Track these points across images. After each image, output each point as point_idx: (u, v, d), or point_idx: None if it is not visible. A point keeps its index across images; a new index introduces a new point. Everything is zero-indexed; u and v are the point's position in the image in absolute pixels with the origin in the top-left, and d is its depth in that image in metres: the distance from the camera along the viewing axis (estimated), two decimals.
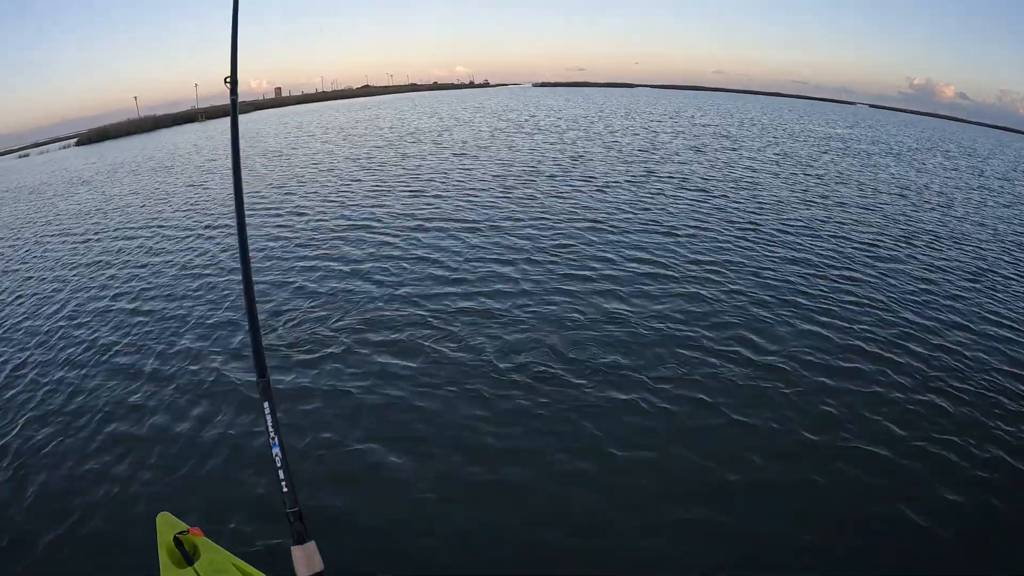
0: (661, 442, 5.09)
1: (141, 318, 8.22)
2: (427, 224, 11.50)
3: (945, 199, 16.72)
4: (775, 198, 14.23)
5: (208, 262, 10.34)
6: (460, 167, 17.82)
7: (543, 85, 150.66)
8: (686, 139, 25.40)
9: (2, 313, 9.12)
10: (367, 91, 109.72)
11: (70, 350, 7.43)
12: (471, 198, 13.62)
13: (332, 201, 14.09)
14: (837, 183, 17.15)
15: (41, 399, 6.27)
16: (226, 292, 8.86)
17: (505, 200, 13.36)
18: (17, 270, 11.25)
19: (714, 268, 9.12)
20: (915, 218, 13.63)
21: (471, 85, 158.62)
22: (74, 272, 10.59)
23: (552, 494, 4.51)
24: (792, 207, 13.36)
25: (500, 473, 4.73)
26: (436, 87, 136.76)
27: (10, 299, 9.72)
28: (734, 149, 22.60)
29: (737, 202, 13.53)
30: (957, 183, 20.24)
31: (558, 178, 15.94)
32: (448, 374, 6.16)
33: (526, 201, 13.22)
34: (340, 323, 7.43)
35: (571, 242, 10.23)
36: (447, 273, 8.90)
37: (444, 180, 16.00)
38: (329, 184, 16.40)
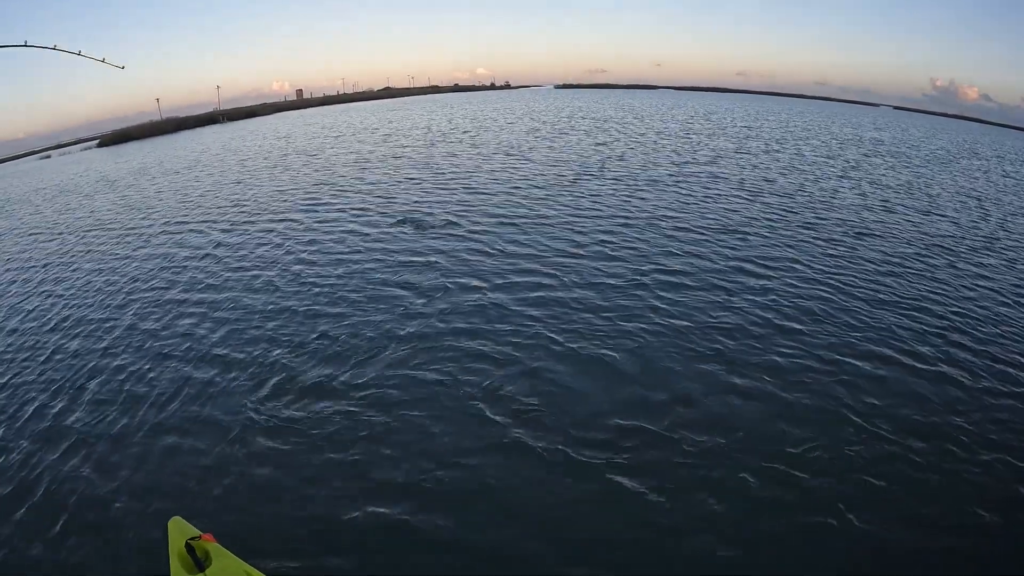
0: None
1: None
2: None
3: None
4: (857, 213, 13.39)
5: (247, 263, 10.11)
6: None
7: (565, 87, 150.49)
8: (752, 148, 24.30)
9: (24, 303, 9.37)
10: (388, 93, 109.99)
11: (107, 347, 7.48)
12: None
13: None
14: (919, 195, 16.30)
15: (66, 392, 6.41)
16: (274, 294, 8.73)
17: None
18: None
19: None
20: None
21: (492, 87, 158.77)
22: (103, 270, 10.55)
23: None
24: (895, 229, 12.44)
25: None
26: (457, 89, 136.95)
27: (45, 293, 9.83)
28: (807, 167, 21.41)
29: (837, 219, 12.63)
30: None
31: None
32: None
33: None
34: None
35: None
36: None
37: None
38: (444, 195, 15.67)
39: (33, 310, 9.07)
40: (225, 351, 6.93)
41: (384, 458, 4.87)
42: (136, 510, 4.43)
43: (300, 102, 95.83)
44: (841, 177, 17.68)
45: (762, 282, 8.37)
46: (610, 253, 9.47)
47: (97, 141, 66.10)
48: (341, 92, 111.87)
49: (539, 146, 22.39)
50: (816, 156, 21.97)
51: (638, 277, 8.44)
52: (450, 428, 5.19)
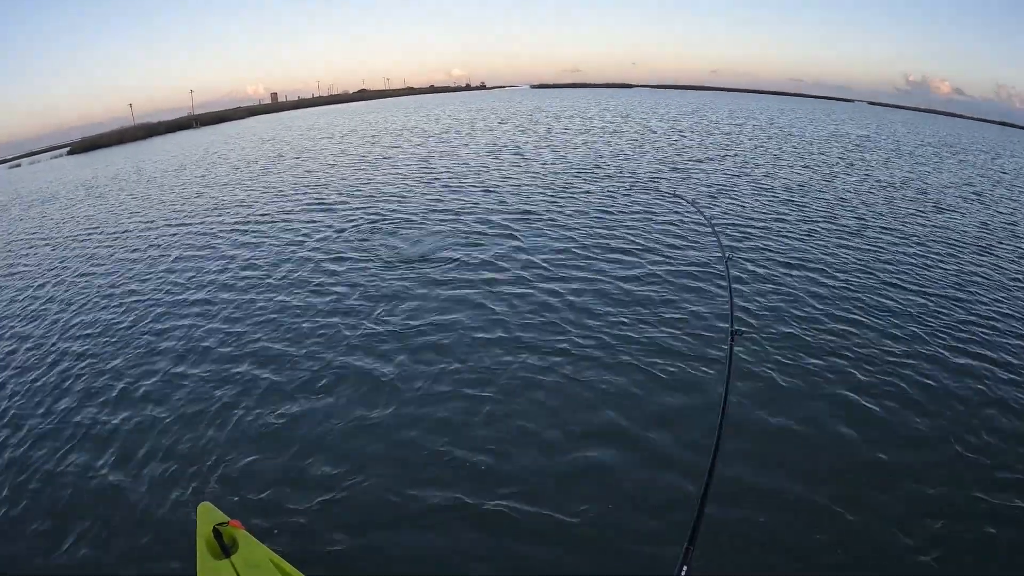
0: None
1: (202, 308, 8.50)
2: None
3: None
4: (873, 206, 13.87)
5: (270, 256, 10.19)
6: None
7: (542, 87, 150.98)
8: (746, 144, 24.85)
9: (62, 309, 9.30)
10: (363, 95, 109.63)
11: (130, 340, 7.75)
12: None
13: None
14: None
15: (90, 386, 6.59)
16: (289, 284, 9.09)
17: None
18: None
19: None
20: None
21: (468, 88, 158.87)
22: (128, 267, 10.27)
23: None
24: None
25: None
26: (433, 90, 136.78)
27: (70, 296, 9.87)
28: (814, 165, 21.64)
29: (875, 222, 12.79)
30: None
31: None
32: None
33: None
34: None
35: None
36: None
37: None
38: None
39: (39, 314, 9.19)
40: (264, 345, 7.09)
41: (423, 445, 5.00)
42: (168, 496, 4.60)
43: (275, 105, 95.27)
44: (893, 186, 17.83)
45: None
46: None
47: (68, 149, 65.44)
48: (316, 95, 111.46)
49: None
50: (833, 157, 22.11)
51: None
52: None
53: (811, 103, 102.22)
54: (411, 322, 7.31)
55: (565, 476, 4.59)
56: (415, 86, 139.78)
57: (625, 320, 7.15)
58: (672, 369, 6.06)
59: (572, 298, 7.82)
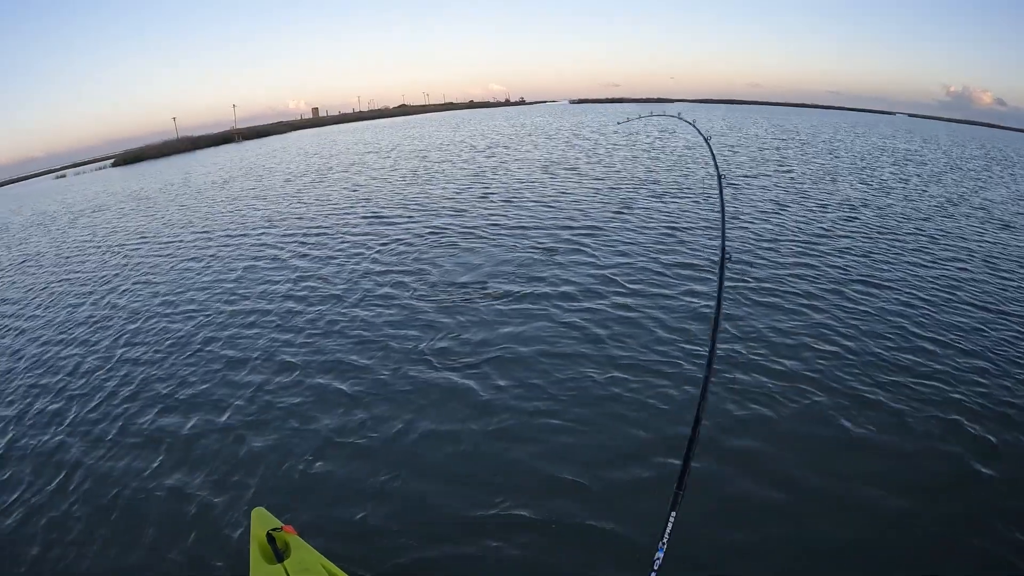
0: None
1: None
2: None
3: None
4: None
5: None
6: None
7: (581, 102, 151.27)
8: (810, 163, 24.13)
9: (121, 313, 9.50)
10: (404, 110, 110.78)
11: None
12: None
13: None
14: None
15: (153, 391, 6.68)
16: (356, 294, 9.09)
17: None
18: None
19: None
20: None
21: (507, 103, 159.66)
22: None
23: None
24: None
25: None
26: (473, 105, 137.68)
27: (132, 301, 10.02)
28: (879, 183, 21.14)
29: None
30: None
31: None
32: None
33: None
34: None
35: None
36: None
37: None
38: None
39: (102, 321, 9.22)
40: (327, 356, 7.04)
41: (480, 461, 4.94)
42: (223, 500, 4.67)
43: (316, 120, 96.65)
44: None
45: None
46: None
47: (112, 161, 66.81)
48: (357, 110, 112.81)
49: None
50: (900, 177, 21.11)
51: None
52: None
53: (851, 116, 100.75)
54: (480, 335, 7.16)
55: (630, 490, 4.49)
56: (454, 101, 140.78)
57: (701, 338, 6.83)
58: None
59: (652, 312, 7.66)
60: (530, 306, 7.96)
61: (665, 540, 2.14)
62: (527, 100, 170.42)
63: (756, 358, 6.36)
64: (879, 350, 6.58)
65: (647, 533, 3.91)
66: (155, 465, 5.26)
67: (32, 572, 4.23)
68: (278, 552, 2.74)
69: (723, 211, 3.01)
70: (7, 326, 9.78)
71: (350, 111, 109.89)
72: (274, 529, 2.86)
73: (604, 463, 4.76)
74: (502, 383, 6.03)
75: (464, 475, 4.71)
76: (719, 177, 4.35)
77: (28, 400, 6.91)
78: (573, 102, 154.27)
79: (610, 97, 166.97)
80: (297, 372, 6.66)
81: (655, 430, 5.18)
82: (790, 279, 8.81)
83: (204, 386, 6.59)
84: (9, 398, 7.05)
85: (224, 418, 5.88)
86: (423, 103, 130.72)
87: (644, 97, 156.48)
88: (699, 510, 3.86)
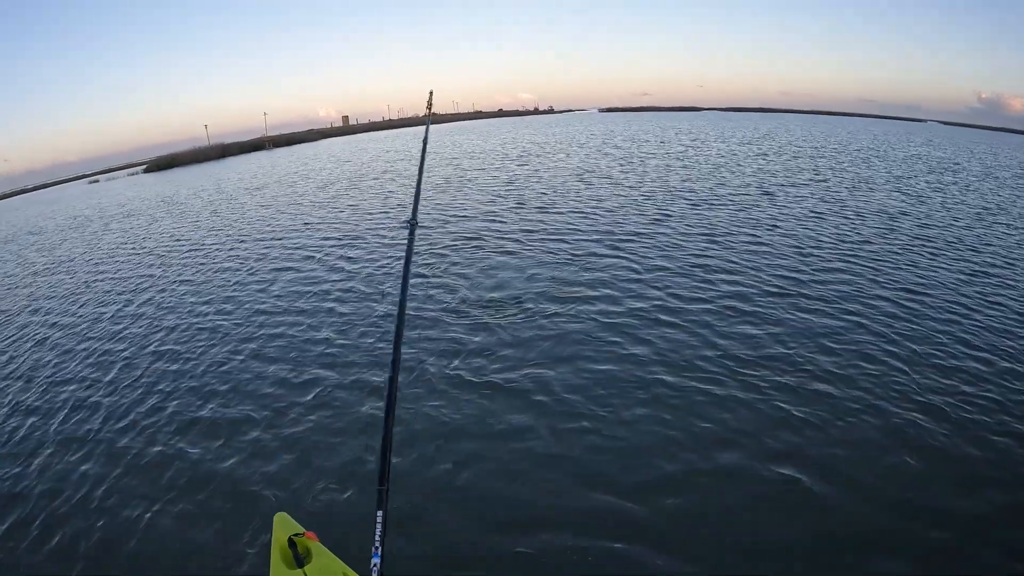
0: None
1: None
2: None
3: None
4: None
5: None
6: None
7: (610, 111, 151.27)
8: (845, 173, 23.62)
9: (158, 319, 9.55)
10: (433, 119, 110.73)
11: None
12: None
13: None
14: None
15: (191, 388, 6.92)
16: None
17: None
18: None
19: None
20: None
21: (536, 111, 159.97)
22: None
23: None
24: None
25: None
26: (502, 114, 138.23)
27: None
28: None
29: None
30: None
31: None
32: None
33: None
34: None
35: None
36: None
37: None
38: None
39: (129, 324, 9.39)
40: (359, 360, 7.07)
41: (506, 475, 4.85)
42: (247, 499, 4.78)
43: (346, 128, 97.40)
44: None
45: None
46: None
47: (144, 167, 67.79)
48: (386, 118, 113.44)
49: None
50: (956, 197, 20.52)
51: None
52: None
53: (883, 124, 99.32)
54: (521, 345, 7.07)
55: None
56: (483, 110, 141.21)
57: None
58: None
59: (698, 319, 7.57)
60: (569, 314, 7.83)
61: (378, 543, 2.08)
62: (556, 109, 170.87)
63: (794, 365, 6.32)
64: (929, 359, 6.46)
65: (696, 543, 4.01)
66: (188, 464, 5.38)
67: (60, 567, 4.34)
68: (299, 557, 2.54)
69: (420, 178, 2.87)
70: (44, 327, 9.91)
71: (380, 119, 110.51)
72: (296, 534, 2.60)
73: (652, 478, 4.68)
74: (543, 396, 5.92)
75: (492, 492, 4.63)
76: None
77: (63, 397, 7.07)
78: (602, 111, 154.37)
79: (640, 106, 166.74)
80: (328, 380, 6.63)
81: (709, 440, 5.11)
82: (835, 285, 8.71)
83: (237, 392, 6.63)
84: (48, 396, 7.21)
85: (256, 422, 5.93)
86: (452, 111, 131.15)
87: (674, 106, 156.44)
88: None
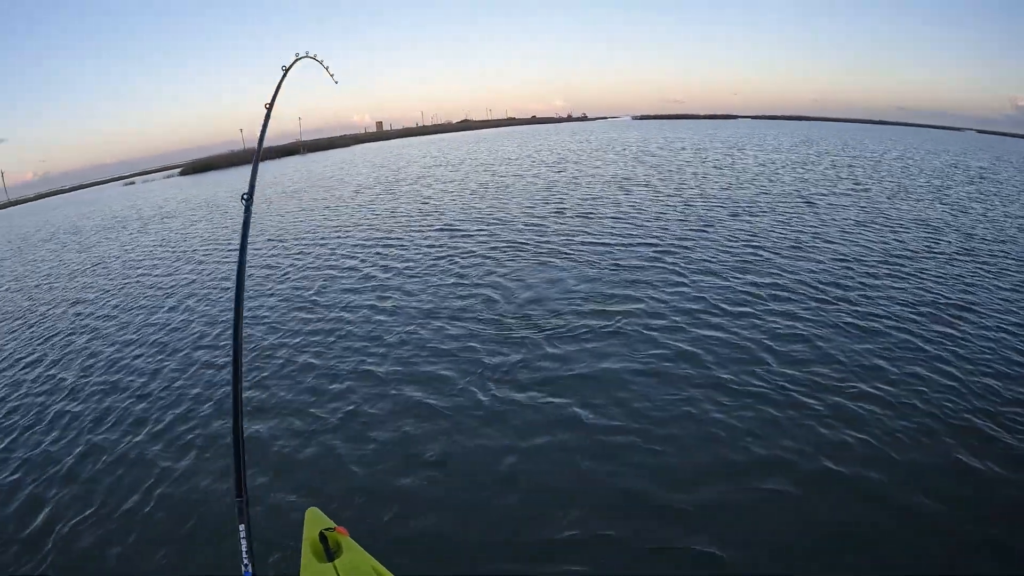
0: None
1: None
2: None
3: None
4: None
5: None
6: None
7: (644, 118, 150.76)
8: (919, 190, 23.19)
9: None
10: (466, 125, 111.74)
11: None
12: None
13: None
14: None
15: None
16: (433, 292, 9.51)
17: None
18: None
19: None
20: None
21: (569, 119, 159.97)
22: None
23: None
24: None
25: None
26: (535, 120, 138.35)
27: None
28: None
29: None
30: None
31: None
32: None
33: None
34: None
35: None
36: None
37: None
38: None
39: (169, 324, 9.42)
40: (404, 367, 6.97)
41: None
42: (279, 494, 4.81)
43: (380, 134, 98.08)
44: None
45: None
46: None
47: (179, 169, 68.74)
48: (420, 124, 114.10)
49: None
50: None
51: None
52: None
53: (919, 132, 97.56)
54: (566, 355, 6.84)
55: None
56: (516, 116, 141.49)
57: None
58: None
59: (742, 332, 7.33)
60: (612, 325, 7.62)
61: (246, 559, 2.01)
62: (589, 116, 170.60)
63: (843, 381, 6.08)
64: (982, 377, 6.16)
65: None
66: (223, 463, 5.42)
67: (104, 562, 4.38)
68: (329, 551, 2.69)
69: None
70: (83, 327, 9.97)
71: (413, 125, 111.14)
72: (327, 529, 2.78)
73: (693, 482, 4.61)
74: (585, 410, 5.72)
75: (530, 512, 4.47)
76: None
77: (102, 399, 7.10)
78: (636, 118, 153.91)
79: (673, 113, 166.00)
80: (372, 383, 6.60)
81: (749, 453, 4.97)
82: (882, 297, 8.45)
83: (278, 391, 6.65)
84: (86, 397, 7.22)
85: (293, 422, 5.97)
86: (486, 118, 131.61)
87: (707, 113, 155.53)
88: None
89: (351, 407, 6.11)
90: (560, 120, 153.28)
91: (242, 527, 2.08)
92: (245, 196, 3.09)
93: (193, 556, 4.30)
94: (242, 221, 3.03)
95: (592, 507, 4.38)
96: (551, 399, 5.89)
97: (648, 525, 4.17)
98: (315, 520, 2.91)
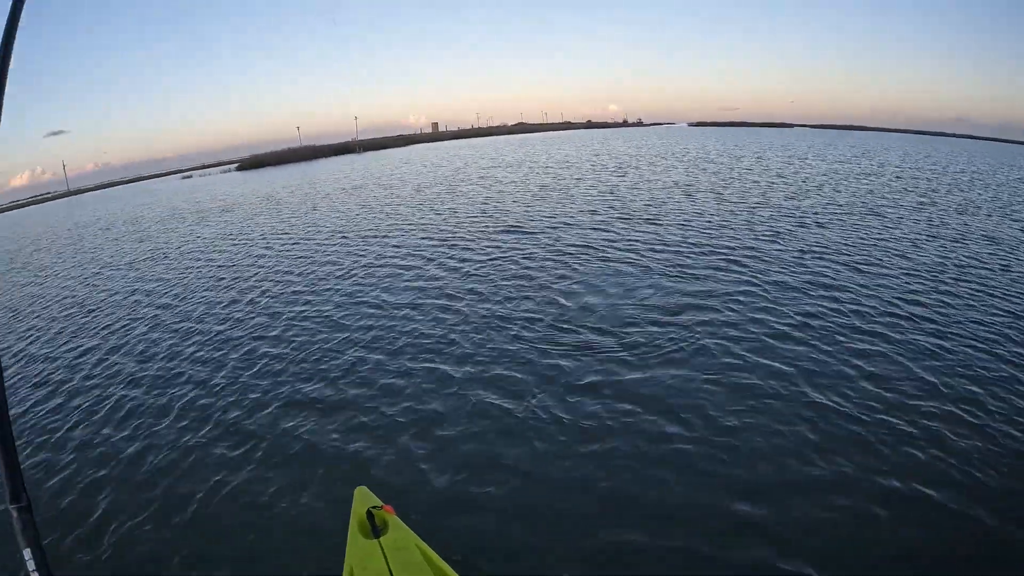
0: None
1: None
2: None
3: None
4: None
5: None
6: None
7: (700, 125, 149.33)
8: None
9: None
10: (521, 128, 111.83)
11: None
12: None
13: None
14: None
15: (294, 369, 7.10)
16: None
17: None
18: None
19: None
20: None
21: (625, 124, 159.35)
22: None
23: None
24: None
25: None
26: (590, 125, 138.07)
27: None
28: None
29: None
30: None
31: None
32: None
33: None
34: None
35: None
36: None
37: None
38: None
39: (232, 315, 9.44)
40: (469, 360, 6.91)
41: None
42: (332, 472, 4.97)
43: (435, 135, 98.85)
44: None
45: None
46: None
47: (236, 165, 70.01)
48: (475, 126, 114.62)
49: None
50: None
51: None
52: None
53: (981, 145, 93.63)
54: (644, 370, 6.42)
55: None
56: (572, 120, 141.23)
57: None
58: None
59: (822, 346, 6.92)
60: (687, 337, 7.23)
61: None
62: (644, 121, 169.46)
63: (930, 400, 5.66)
64: None
65: None
66: (288, 433, 5.63)
67: (186, 522, 4.56)
68: (376, 528, 2.90)
69: None
70: (145, 316, 10.04)
71: (468, 127, 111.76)
72: (374, 507, 3.01)
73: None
74: (665, 422, 5.41)
75: (591, 504, 4.39)
76: None
77: (167, 386, 7.14)
78: (691, 125, 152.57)
79: (729, 121, 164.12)
80: (443, 384, 6.43)
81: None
82: (960, 319, 7.85)
83: (341, 383, 6.63)
84: (150, 384, 7.27)
85: (351, 411, 5.97)
86: (540, 121, 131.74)
87: (763, 121, 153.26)
88: None
89: (422, 406, 5.97)
90: (616, 125, 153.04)
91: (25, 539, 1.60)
92: None
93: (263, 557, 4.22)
94: None
95: (664, 516, 4.21)
96: (624, 405, 5.66)
97: (722, 537, 3.99)
98: (363, 498, 3.14)
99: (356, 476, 4.79)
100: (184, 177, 75.03)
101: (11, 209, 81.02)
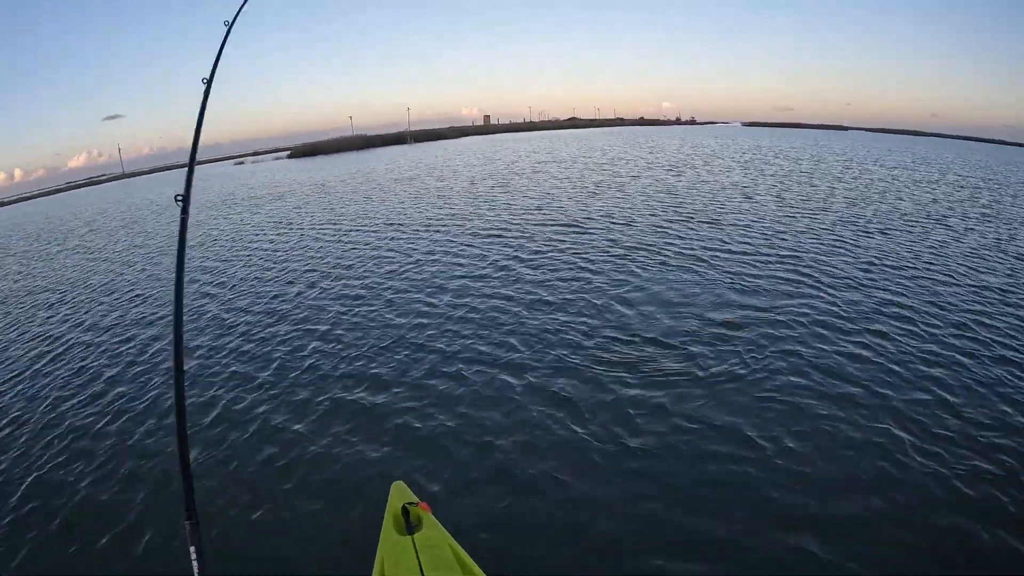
0: None
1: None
2: None
3: None
4: None
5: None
6: None
7: (753, 125, 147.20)
8: None
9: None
10: (574, 123, 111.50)
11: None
12: None
13: None
14: None
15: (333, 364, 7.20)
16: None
17: None
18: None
19: None
20: None
21: (678, 122, 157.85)
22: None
23: None
24: None
25: None
26: (643, 122, 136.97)
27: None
28: None
29: None
30: None
31: None
32: None
33: None
34: None
35: None
36: None
37: None
38: None
39: (288, 302, 9.52)
40: (517, 358, 7.01)
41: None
42: (369, 468, 5.09)
43: (487, 127, 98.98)
44: None
45: None
46: None
47: (288, 152, 71.01)
48: (527, 120, 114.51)
49: None
50: None
51: None
52: None
53: None
54: (715, 386, 6.28)
55: None
56: (625, 117, 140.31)
57: None
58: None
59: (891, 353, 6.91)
60: (755, 335, 7.29)
61: None
62: (698, 120, 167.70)
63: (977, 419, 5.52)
64: None
65: None
66: (322, 430, 5.72)
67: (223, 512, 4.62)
68: (410, 525, 2.92)
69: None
70: (193, 306, 10.24)
71: (520, 120, 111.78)
72: (410, 503, 3.04)
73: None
74: (738, 449, 5.21)
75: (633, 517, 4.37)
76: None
77: (218, 366, 7.46)
78: (745, 124, 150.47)
79: (783, 121, 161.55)
80: (493, 388, 6.42)
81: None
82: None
83: (391, 371, 6.83)
84: (204, 363, 7.60)
85: (402, 401, 6.13)
86: (593, 117, 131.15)
87: (818, 123, 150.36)
88: None
89: (472, 411, 5.95)
90: (669, 123, 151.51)
91: (192, 549, 2.07)
92: (179, 197, 2.70)
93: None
94: (179, 227, 2.65)
95: (723, 515, 4.28)
96: (683, 423, 5.54)
97: (782, 536, 4.05)
98: (399, 493, 3.18)
99: (394, 473, 4.78)
100: (236, 163, 76.20)
101: (67, 190, 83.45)
